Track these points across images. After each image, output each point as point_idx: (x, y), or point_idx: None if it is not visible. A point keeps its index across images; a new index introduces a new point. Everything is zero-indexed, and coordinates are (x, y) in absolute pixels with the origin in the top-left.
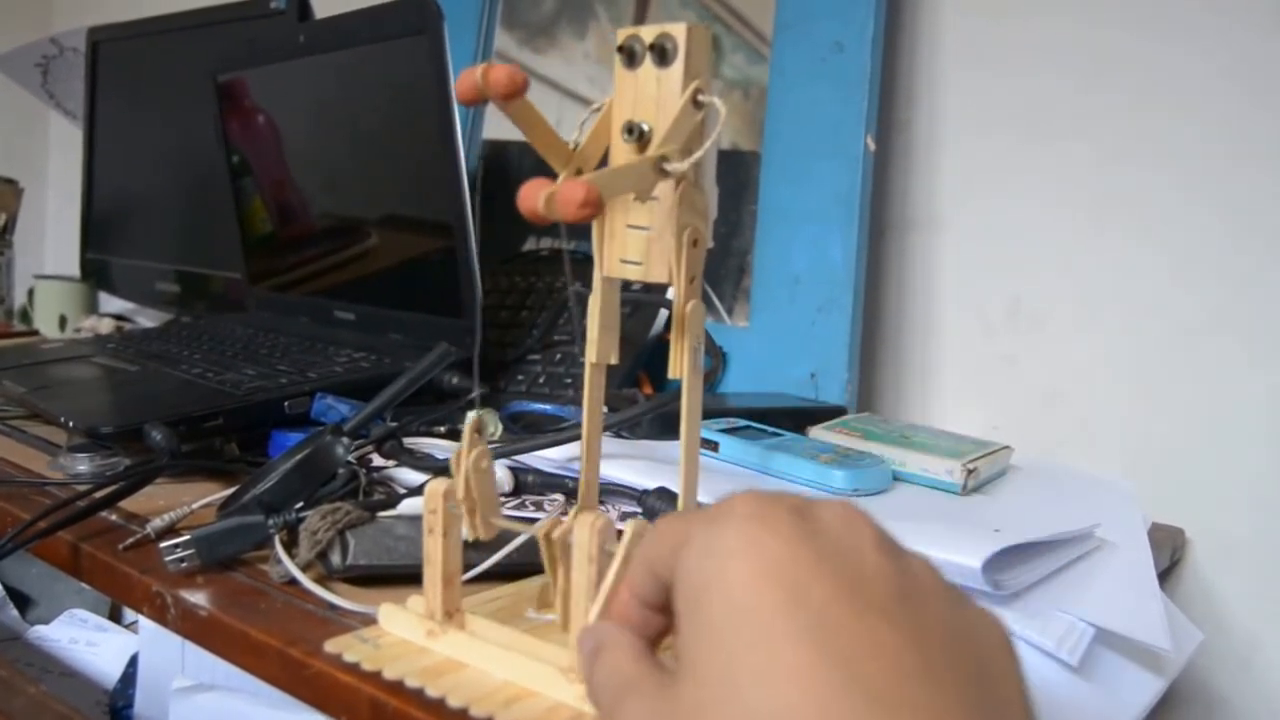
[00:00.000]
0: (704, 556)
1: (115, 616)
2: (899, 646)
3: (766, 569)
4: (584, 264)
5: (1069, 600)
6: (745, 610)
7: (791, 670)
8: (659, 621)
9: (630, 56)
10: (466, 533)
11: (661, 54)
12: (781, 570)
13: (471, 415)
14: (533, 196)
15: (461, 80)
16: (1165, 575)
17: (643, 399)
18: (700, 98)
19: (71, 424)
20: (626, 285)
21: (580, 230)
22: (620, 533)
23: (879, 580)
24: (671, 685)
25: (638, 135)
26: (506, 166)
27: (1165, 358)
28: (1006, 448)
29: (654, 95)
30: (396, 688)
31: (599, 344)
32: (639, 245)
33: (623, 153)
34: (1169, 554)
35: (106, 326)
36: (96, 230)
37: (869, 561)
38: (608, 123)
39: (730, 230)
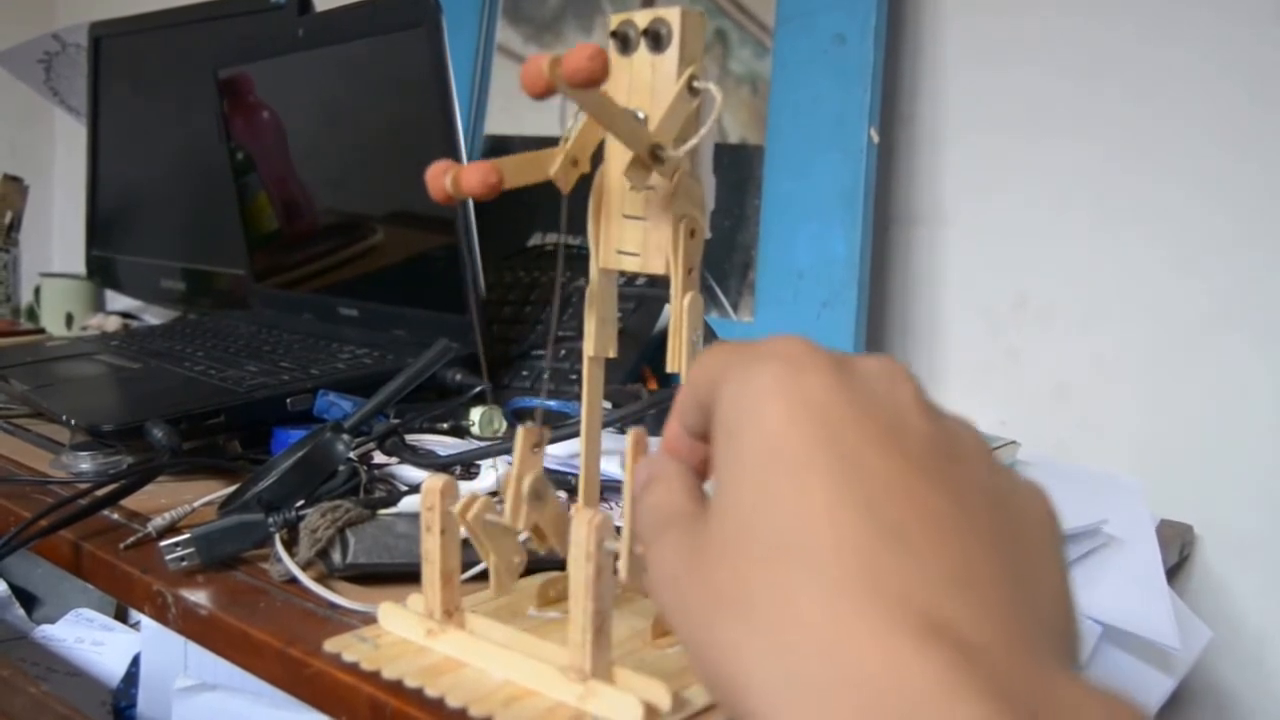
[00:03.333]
0: (740, 393)
1: (121, 616)
2: (931, 496)
3: (801, 409)
4: (586, 259)
5: (1077, 598)
6: (777, 447)
7: (820, 508)
8: (707, 452)
9: (624, 42)
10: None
11: (656, 39)
12: (816, 411)
13: (523, 428)
14: (438, 176)
15: (527, 68)
16: (1174, 572)
17: (647, 394)
18: (695, 84)
19: (73, 422)
20: (631, 280)
21: (581, 225)
22: (619, 529)
23: (917, 433)
24: (704, 518)
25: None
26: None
27: (1173, 353)
28: (1012, 443)
29: (648, 82)
30: (395, 687)
31: (596, 336)
32: (636, 236)
33: (618, 142)
34: (1178, 551)
35: (113, 324)
36: (102, 228)
37: (908, 415)
38: None
39: (735, 225)
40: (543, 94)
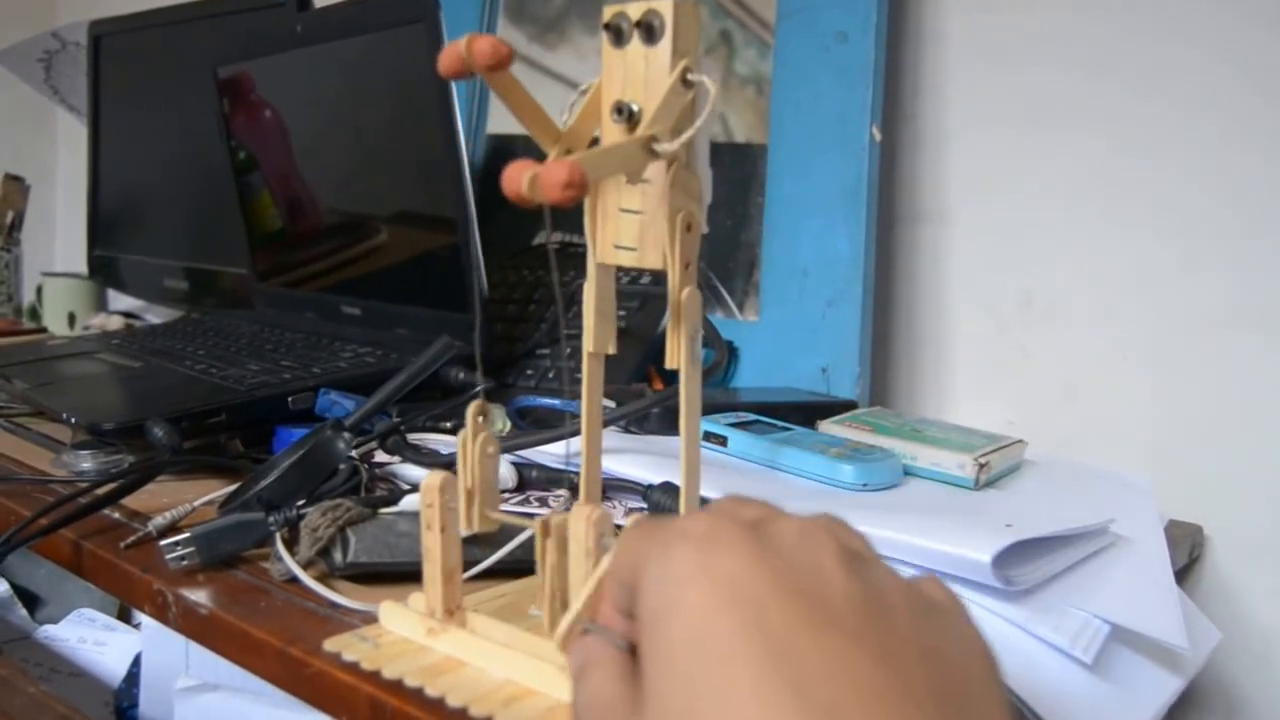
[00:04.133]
0: (660, 583)
1: (124, 616)
2: (863, 666)
3: (721, 593)
4: (585, 257)
5: (1083, 597)
6: (702, 637)
7: (749, 697)
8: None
9: (617, 34)
10: (462, 526)
11: (649, 31)
12: (737, 593)
13: (474, 402)
14: (516, 178)
15: (446, 53)
16: (1184, 573)
17: (651, 393)
18: (690, 76)
19: (74, 421)
20: (635, 279)
21: (581, 223)
22: (619, 528)
23: (841, 598)
24: (638, 713)
25: (627, 115)
26: (511, 160)
27: (1181, 350)
28: (1020, 442)
29: (642, 74)
30: (396, 687)
31: (595, 332)
32: (632, 230)
33: (612, 134)
34: (1188, 551)
35: (115, 324)
36: (104, 227)
37: (830, 578)
38: (597, 103)
39: (739, 223)
40: (457, 74)
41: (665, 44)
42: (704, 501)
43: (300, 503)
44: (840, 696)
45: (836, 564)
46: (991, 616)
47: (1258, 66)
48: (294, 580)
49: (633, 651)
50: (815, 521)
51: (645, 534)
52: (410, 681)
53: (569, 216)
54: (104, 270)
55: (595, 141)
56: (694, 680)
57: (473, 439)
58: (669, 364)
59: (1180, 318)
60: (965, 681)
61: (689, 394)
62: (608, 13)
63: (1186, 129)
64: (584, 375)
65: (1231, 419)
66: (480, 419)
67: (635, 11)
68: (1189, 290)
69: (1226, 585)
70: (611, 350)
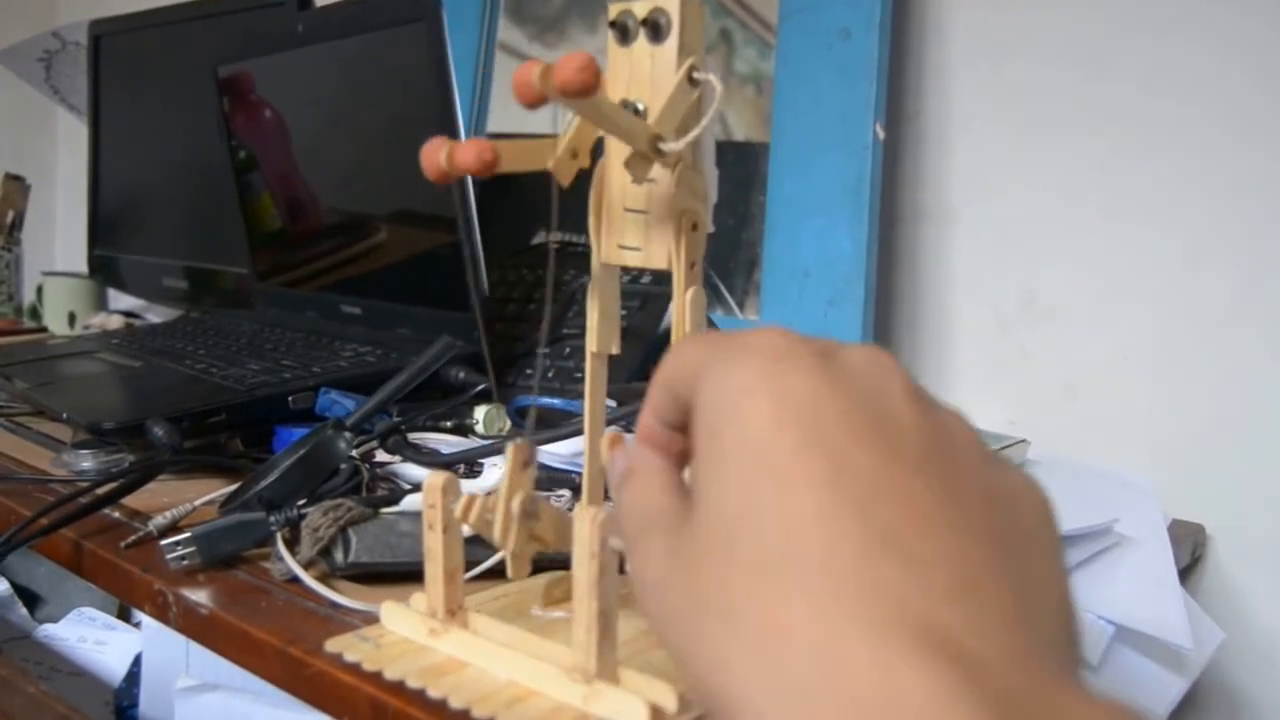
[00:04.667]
0: (721, 391)
1: (124, 615)
2: (923, 495)
3: (786, 407)
4: (588, 257)
5: (1088, 598)
6: (761, 450)
7: (804, 513)
8: (684, 442)
9: (623, 32)
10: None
11: (655, 29)
12: (802, 410)
13: (512, 445)
14: (433, 154)
15: (518, 77)
16: (1186, 572)
17: None
18: (695, 75)
19: (74, 420)
20: (636, 278)
21: (583, 222)
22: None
23: (907, 429)
24: (688, 520)
25: (632, 114)
26: None
27: (1184, 350)
28: (1023, 441)
29: (648, 73)
30: (397, 688)
31: (599, 332)
32: (637, 230)
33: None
34: (1190, 551)
35: (115, 323)
36: (104, 226)
37: (897, 409)
38: None
39: (740, 222)
40: (534, 104)
41: (672, 42)
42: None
43: (301, 502)
44: (899, 521)
45: (904, 396)
46: None
47: (1262, 65)
48: (295, 580)
49: (678, 466)
50: (884, 354)
51: (705, 343)
52: (412, 682)
53: (571, 216)
54: (104, 270)
55: (600, 142)
56: (750, 492)
57: (508, 496)
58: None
59: (1182, 317)
60: (1022, 526)
61: None
62: (613, 11)
63: (1190, 128)
64: (587, 375)
65: (1233, 418)
66: (521, 468)
67: (641, 9)
68: (1191, 290)
69: (1229, 585)
70: (615, 350)
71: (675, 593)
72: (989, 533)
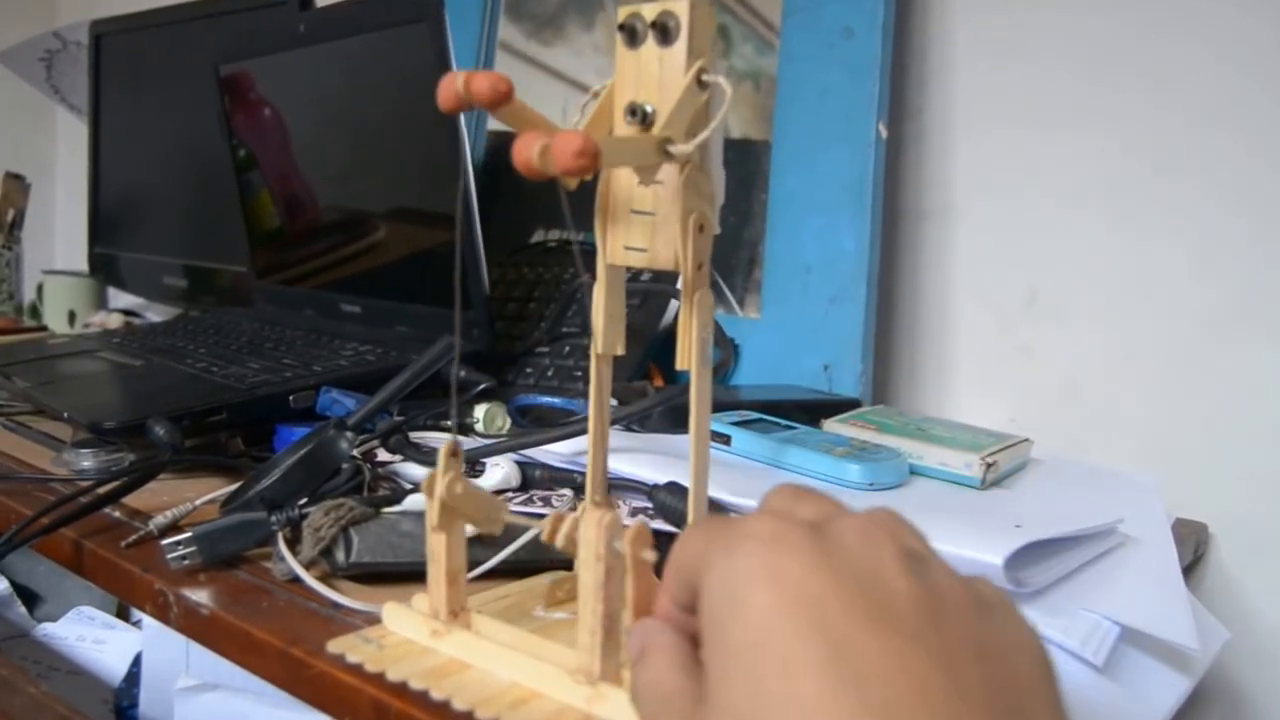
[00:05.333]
0: (724, 582)
1: (124, 614)
2: (923, 668)
3: (786, 595)
4: (591, 255)
5: (1093, 598)
6: (765, 639)
7: (807, 697)
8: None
9: (632, 35)
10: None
11: (664, 32)
12: (801, 595)
13: (446, 441)
14: (527, 147)
15: (443, 88)
16: (1188, 571)
17: (653, 391)
18: (705, 77)
19: (75, 419)
20: (636, 275)
21: (587, 220)
22: (627, 529)
23: (901, 600)
24: (701, 707)
25: (640, 117)
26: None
27: (1186, 348)
28: (1026, 440)
29: (657, 75)
30: (400, 689)
31: (604, 334)
32: (644, 231)
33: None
34: (1192, 550)
35: (115, 322)
36: (104, 225)
37: (890, 581)
38: (609, 106)
39: (741, 221)
40: (455, 109)
41: (680, 45)
42: (712, 503)
43: (302, 502)
44: (897, 696)
45: (896, 565)
46: None
47: (1267, 68)
48: (296, 580)
49: (692, 643)
50: (875, 520)
51: (709, 532)
52: (415, 684)
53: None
54: (104, 268)
55: None
56: (757, 681)
57: (441, 478)
58: (679, 365)
59: (1184, 316)
60: (1019, 680)
61: (699, 395)
62: (622, 13)
63: (1193, 130)
64: (592, 376)
65: (1235, 417)
66: (451, 457)
67: (650, 12)
68: (1193, 288)
69: (1231, 583)
70: (620, 351)
71: None
72: (983, 694)
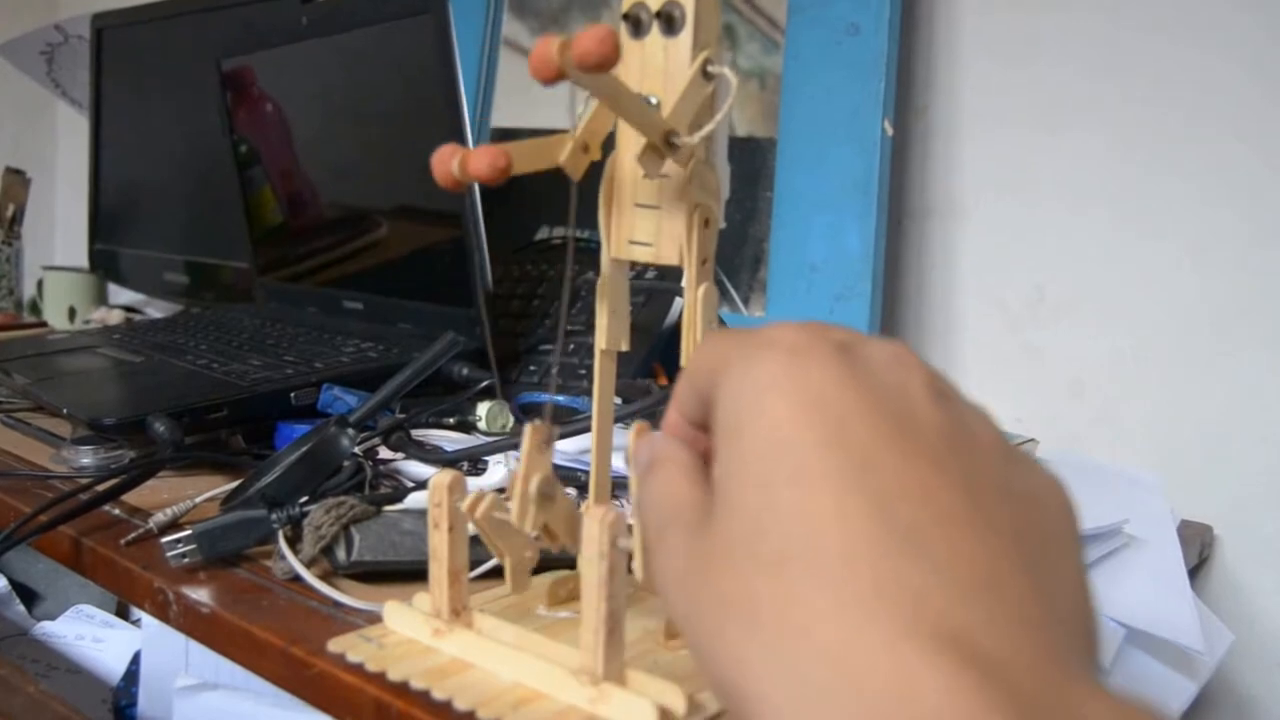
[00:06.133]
0: (742, 388)
1: (123, 612)
2: (943, 492)
3: (807, 404)
4: (595, 253)
5: (1098, 599)
6: (783, 446)
7: (824, 511)
8: (709, 440)
9: (636, 25)
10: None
11: (669, 22)
12: (823, 406)
13: (530, 426)
14: (444, 161)
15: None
16: (1194, 573)
17: (657, 389)
18: (710, 68)
19: (74, 415)
20: (640, 273)
21: (591, 218)
22: (631, 528)
23: (927, 424)
24: (710, 515)
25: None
26: None
27: (1192, 349)
28: (1031, 440)
29: (661, 66)
30: (401, 689)
31: (608, 329)
32: (648, 225)
33: (630, 129)
34: (1197, 552)
35: (116, 318)
36: (105, 221)
37: (918, 405)
38: None
39: (746, 218)
40: (552, 79)
41: (686, 35)
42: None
43: (303, 500)
44: (920, 518)
45: (925, 392)
46: None
47: (1270, 69)
48: (297, 579)
49: (703, 461)
50: (906, 350)
51: (727, 340)
52: (416, 684)
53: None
54: (105, 264)
55: (611, 136)
56: (771, 490)
57: (524, 479)
58: (684, 362)
59: (1191, 316)
60: (1045, 525)
61: None
62: (627, 3)
63: (1199, 130)
64: (596, 372)
65: (1240, 419)
66: (538, 448)
67: (655, 2)
68: (1200, 288)
69: (1237, 586)
70: (625, 347)
71: (696, 591)
72: (1009, 532)
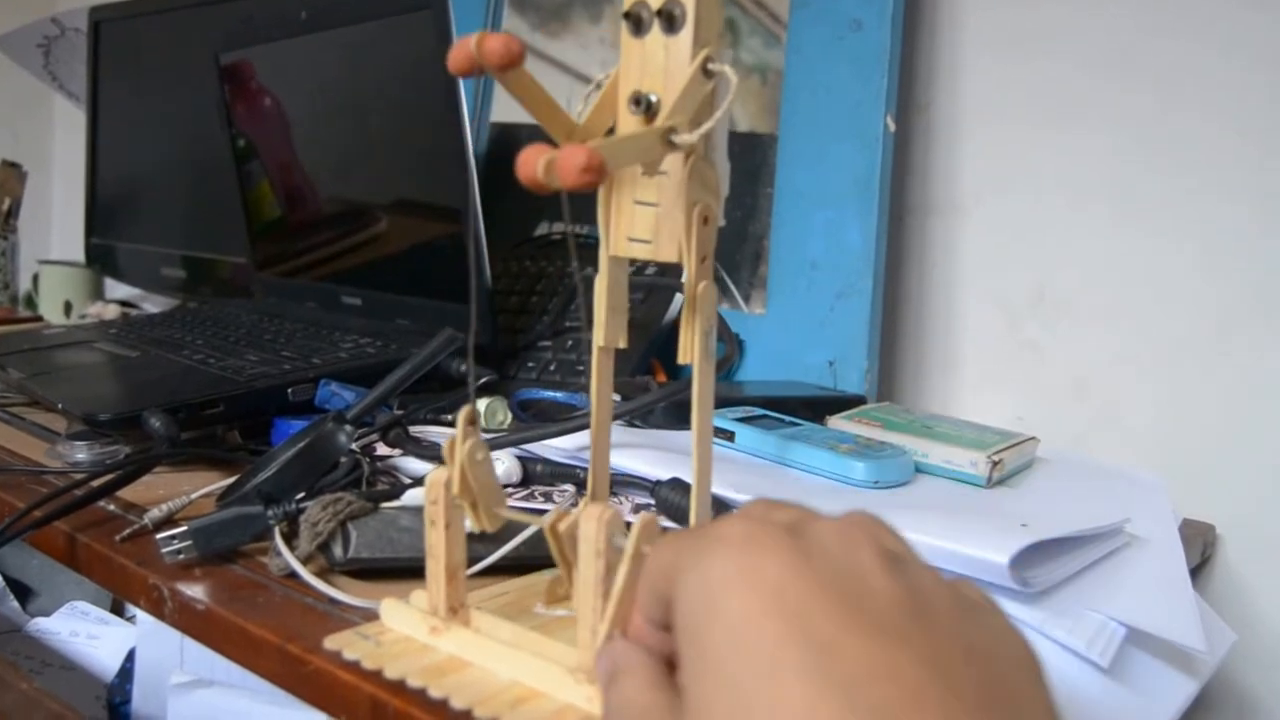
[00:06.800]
0: (698, 587)
1: (118, 609)
2: (910, 667)
3: (765, 598)
4: (594, 249)
5: (1099, 598)
6: (744, 644)
7: (793, 702)
8: (673, 641)
9: (637, 23)
10: (471, 525)
11: (670, 20)
12: (779, 598)
13: (465, 407)
14: (531, 162)
15: (455, 50)
16: (1195, 573)
17: (655, 387)
18: (710, 66)
19: (69, 411)
20: (640, 270)
21: (589, 214)
22: (629, 525)
23: (884, 600)
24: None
25: (645, 106)
26: (515, 150)
27: (1194, 347)
28: (1032, 439)
29: (662, 64)
30: (398, 687)
31: (606, 326)
32: (647, 222)
33: (629, 125)
34: (1199, 551)
35: (112, 312)
36: (101, 215)
37: (872, 581)
38: (613, 95)
39: (746, 215)
40: (466, 72)
41: (686, 33)
42: (715, 500)
43: (300, 496)
44: (888, 698)
45: (877, 565)
46: None
47: (1273, 65)
48: (293, 575)
49: (667, 664)
50: (853, 522)
51: (679, 541)
52: (413, 682)
53: (575, 207)
54: (101, 258)
55: (611, 134)
56: (740, 687)
57: (460, 444)
58: (682, 359)
59: (1192, 315)
60: (1010, 681)
61: (702, 390)
62: (628, 1)
63: (1202, 127)
64: (593, 370)
65: (1242, 418)
66: (469, 425)
67: (656, 0)
68: (1203, 287)
69: (1239, 586)
70: (623, 344)
71: None
72: (976, 693)
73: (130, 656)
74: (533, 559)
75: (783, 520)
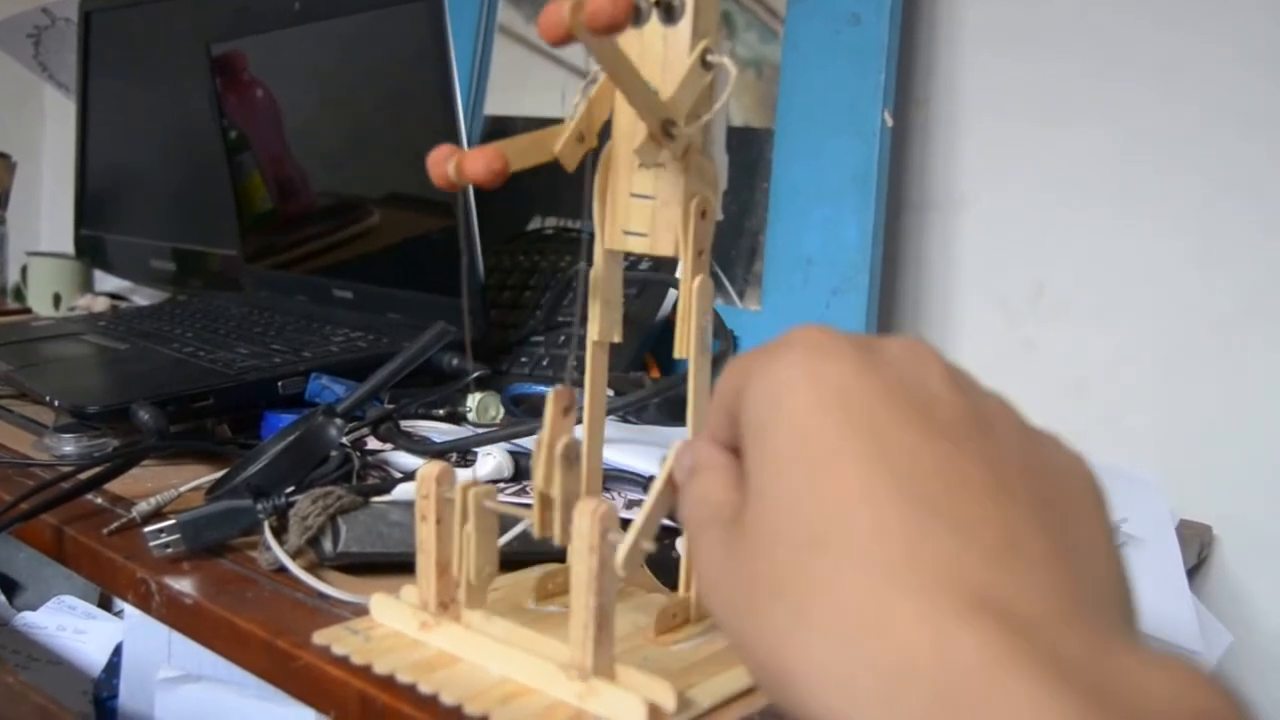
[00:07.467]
0: (764, 390)
1: (105, 603)
2: (964, 466)
3: (828, 396)
4: (590, 244)
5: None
6: (807, 437)
7: (850, 490)
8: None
9: (636, 14)
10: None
11: (669, 10)
12: (844, 397)
13: (553, 391)
14: (440, 163)
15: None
16: (1192, 574)
17: (649, 382)
18: (709, 57)
19: (57, 403)
20: (634, 264)
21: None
22: (626, 523)
23: (946, 409)
24: (743, 513)
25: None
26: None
27: (1192, 347)
28: None
29: (660, 55)
30: (387, 682)
31: (601, 320)
32: (643, 215)
33: (626, 114)
34: (1196, 551)
35: (101, 305)
36: (91, 206)
37: (937, 392)
38: (609, 88)
39: (742, 210)
40: (560, 40)
41: (685, 24)
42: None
43: (289, 490)
44: (942, 491)
45: (943, 381)
46: None
47: (1275, 61)
48: (282, 570)
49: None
50: (921, 343)
51: (746, 357)
52: (402, 677)
53: (566, 201)
54: (90, 250)
55: (608, 127)
56: (798, 476)
57: (550, 439)
58: (678, 353)
59: (1192, 313)
60: (1069, 500)
61: (698, 384)
62: None
63: (1202, 124)
64: (588, 364)
65: (1241, 417)
66: (561, 414)
67: None
68: (1202, 286)
69: (1236, 587)
70: (618, 339)
71: (734, 579)
72: (1031, 501)
73: (117, 651)
74: (523, 555)
75: (851, 336)
